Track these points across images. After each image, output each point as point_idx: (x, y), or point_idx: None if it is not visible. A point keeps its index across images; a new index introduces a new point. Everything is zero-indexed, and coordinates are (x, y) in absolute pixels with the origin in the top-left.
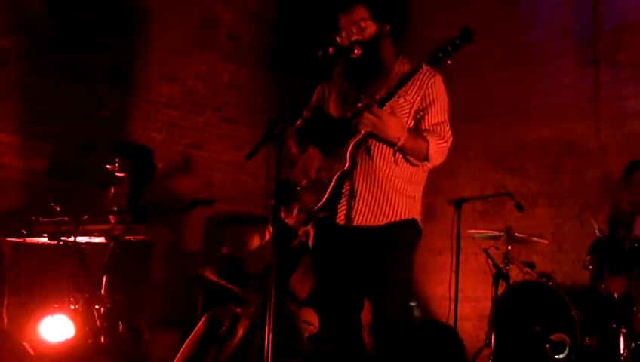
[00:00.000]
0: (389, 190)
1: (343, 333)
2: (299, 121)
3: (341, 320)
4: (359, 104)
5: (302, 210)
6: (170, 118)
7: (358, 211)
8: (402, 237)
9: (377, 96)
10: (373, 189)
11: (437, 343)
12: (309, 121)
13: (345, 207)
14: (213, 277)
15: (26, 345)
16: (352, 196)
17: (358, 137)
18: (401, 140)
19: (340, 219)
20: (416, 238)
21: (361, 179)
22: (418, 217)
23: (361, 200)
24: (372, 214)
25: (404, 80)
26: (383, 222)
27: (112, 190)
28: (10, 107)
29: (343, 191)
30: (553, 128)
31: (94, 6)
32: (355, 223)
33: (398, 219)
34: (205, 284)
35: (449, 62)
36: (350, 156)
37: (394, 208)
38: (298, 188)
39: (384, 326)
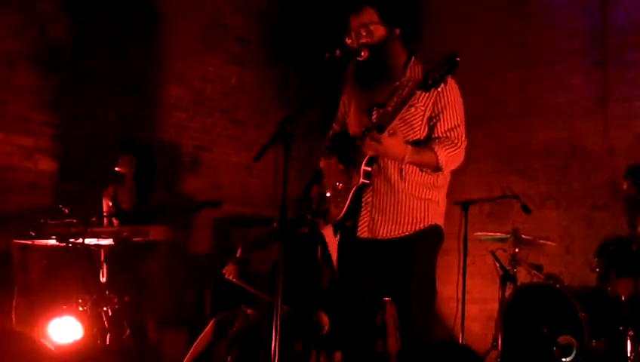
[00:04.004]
0: (410, 198)
1: (361, 338)
2: (330, 133)
3: (360, 325)
4: (362, 129)
5: (330, 220)
6: (179, 120)
7: (382, 223)
8: (426, 245)
9: (389, 108)
10: (395, 199)
11: None
12: (337, 135)
13: (367, 219)
14: (232, 279)
15: (45, 342)
16: (373, 208)
17: (366, 158)
18: (405, 158)
19: (363, 231)
20: (439, 243)
21: (381, 190)
22: (441, 221)
23: (383, 212)
24: (395, 225)
25: (404, 102)
26: (407, 232)
27: (118, 191)
28: (19, 109)
29: (364, 203)
30: (561, 129)
31: (103, 8)
32: (379, 236)
33: (421, 226)
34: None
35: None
36: (364, 173)
37: (416, 216)
38: (327, 197)
39: (410, 331)
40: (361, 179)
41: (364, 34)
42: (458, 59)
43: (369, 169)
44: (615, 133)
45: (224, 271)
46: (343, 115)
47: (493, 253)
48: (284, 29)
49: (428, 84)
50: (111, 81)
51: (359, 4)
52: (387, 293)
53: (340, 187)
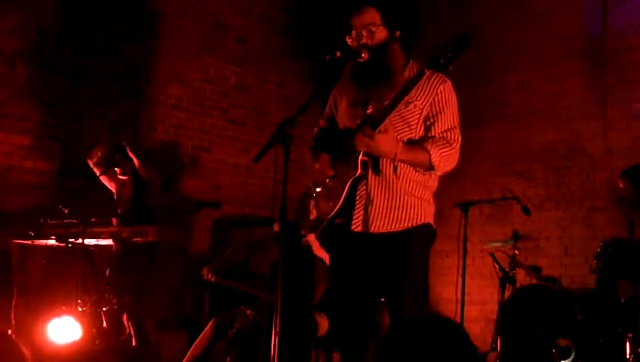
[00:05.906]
0: (405, 194)
1: (356, 336)
2: (315, 130)
3: (356, 323)
4: (356, 122)
5: (319, 217)
6: (179, 120)
7: (375, 217)
8: (419, 242)
9: (385, 103)
10: (389, 194)
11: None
12: (325, 130)
13: (361, 212)
14: (211, 278)
15: (23, 348)
16: (368, 202)
17: (362, 151)
18: (397, 156)
19: (357, 225)
20: (431, 242)
21: (376, 184)
22: (432, 220)
23: (377, 206)
24: (389, 220)
25: (407, 88)
26: (400, 228)
27: (117, 192)
28: (19, 108)
29: (358, 196)
30: (560, 131)
31: (104, 8)
32: (372, 230)
33: (414, 224)
34: (209, 285)
35: (450, 68)
36: (361, 163)
37: (410, 212)
38: (314, 195)
39: (402, 330)
40: (359, 171)
41: (365, 35)
42: (470, 39)
43: (366, 159)
44: (614, 135)
45: (202, 273)
46: (331, 109)
47: (492, 255)
48: (284, 29)
49: (439, 63)
50: (111, 80)
51: (362, 4)
52: (381, 292)
53: (330, 184)
